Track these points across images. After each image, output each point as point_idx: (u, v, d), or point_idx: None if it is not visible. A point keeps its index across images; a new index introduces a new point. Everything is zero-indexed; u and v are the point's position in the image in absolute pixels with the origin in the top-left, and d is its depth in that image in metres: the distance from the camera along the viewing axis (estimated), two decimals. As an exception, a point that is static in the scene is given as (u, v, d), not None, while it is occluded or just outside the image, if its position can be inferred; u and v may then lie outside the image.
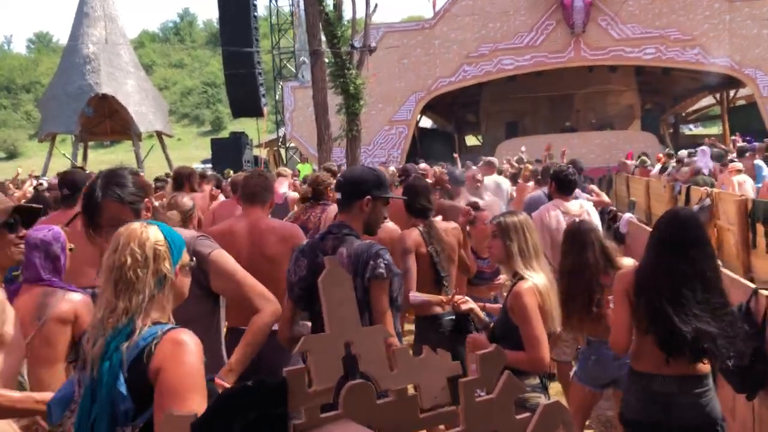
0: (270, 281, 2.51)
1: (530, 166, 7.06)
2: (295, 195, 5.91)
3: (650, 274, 2.13)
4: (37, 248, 2.08)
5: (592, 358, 2.76)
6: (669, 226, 2.16)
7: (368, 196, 2.03)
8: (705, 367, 2.15)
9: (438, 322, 2.89)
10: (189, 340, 1.26)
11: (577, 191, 4.35)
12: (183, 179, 4.62)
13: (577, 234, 2.75)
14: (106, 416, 1.21)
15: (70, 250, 2.19)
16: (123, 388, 1.20)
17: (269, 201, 2.75)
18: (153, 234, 1.33)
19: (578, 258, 2.68)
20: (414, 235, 3.08)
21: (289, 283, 2.10)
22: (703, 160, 8.25)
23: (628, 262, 2.79)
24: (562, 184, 3.88)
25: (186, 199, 3.20)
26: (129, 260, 1.28)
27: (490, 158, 7.34)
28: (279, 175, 6.71)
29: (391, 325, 1.89)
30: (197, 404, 1.17)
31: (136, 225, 1.35)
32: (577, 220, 3.51)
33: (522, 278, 2.16)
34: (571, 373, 3.03)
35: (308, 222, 3.78)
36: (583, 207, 3.86)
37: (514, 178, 7.47)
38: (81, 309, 2.04)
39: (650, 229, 2.37)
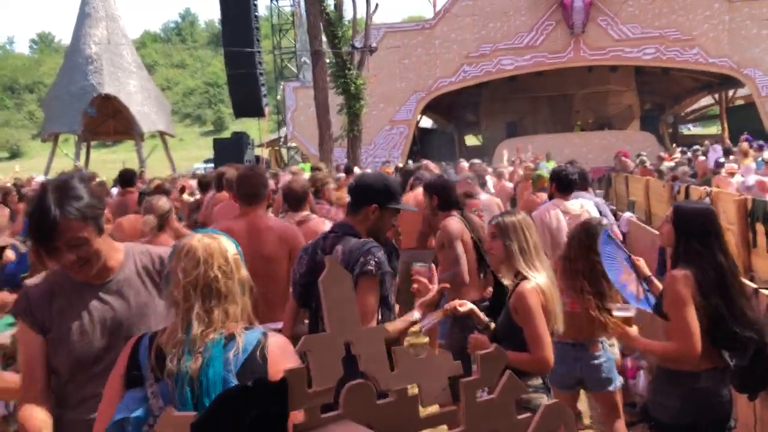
0: (269, 281, 2.51)
1: (531, 165, 7.06)
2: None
3: (713, 273, 2.06)
4: None
5: (555, 360, 2.76)
6: (710, 221, 2.12)
7: (374, 204, 2.04)
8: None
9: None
10: (285, 341, 1.36)
11: (585, 193, 4.36)
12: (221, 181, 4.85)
13: (591, 232, 2.71)
14: None
15: None
16: None
17: (267, 198, 2.73)
18: (228, 245, 1.37)
19: (587, 258, 2.65)
20: (456, 222, 3.17)
21: (293, 282, 2.13)
22: (714, 157, 8.26)
23: None
24: (562, 184, 3.88)
25: (162, 202, 3.16)
26: (219, 275, 1.30)
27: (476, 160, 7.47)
28: (294, 173, 6.73)
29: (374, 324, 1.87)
30: None
31: (206, 238, 1.35)
32: (560, 219, 3.50)
33: (525, 278, 2.15)
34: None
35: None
36: (583, 207, 3.86)
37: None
38: None
39: (649, 229, 2.36)
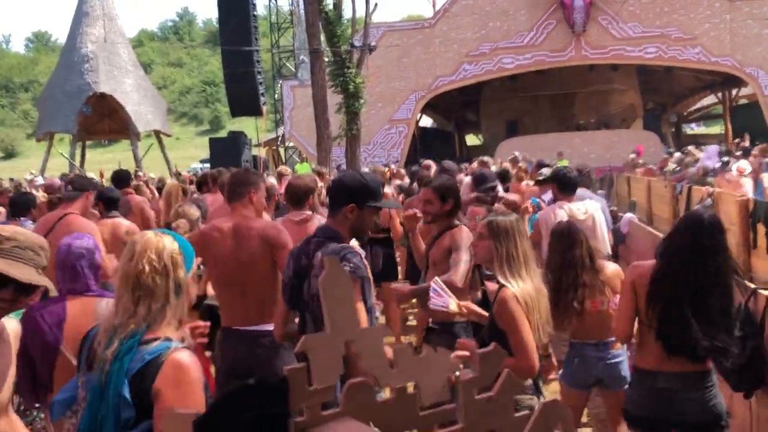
0: (254, 282, 2.53)
1: (523, 165, 6.96)
2: None
3: (670, 278, 2.12)
4: (83, 257, 2.06)
5: (575, 360, 2.76)
6: (692, 231, 2.13)
7: (352, 204, 2.05)
8: (707, 363, 2.18)
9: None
10: (189, 362, 1.30)
11: (586, 192, 4.31)
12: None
13: (565, 232, 2.76)
14: (112, 417, 1.25)
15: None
16: (128, 395, 1.25)
17: (247, 195, 2.65)
18: (169, 243, 1.38)
19: (566, 255, 2.68)
20: (468, 232, 3.08)
21: (283, 283, 2.17)
22: (709, 162, 8.23)
23: (610, 266, 2.86)
24: (563, 185, 3.87)
25: (193, 209, 3.29)
26: (147, 268, 1.32)
27: (485, 158, 7.39)
28: (281, 174, 6.71)
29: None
30: None
31: (150, 234, 1.40)
32: (565, 220, 3.48)
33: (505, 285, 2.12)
34: (558, 375, 3.03)
35: None
36: (588, 212, 3.83)
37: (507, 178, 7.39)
38: None
39: (650, 230, 2.40)
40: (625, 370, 2.77)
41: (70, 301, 2.04)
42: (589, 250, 2.72)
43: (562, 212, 3.76)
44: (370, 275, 1.99)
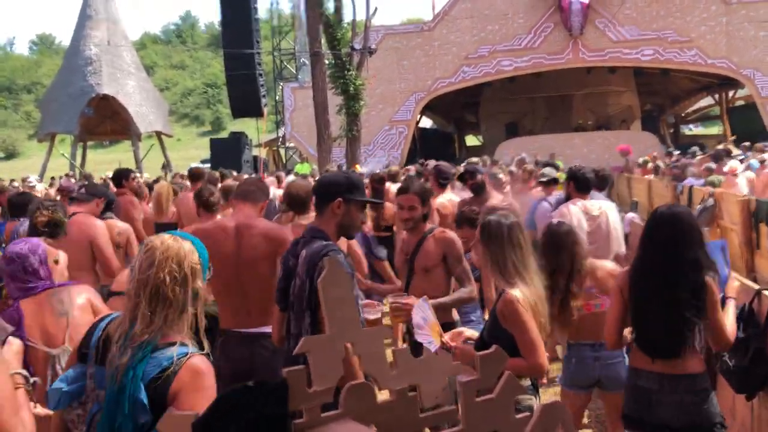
0: (256, 281, 2.54)
1: (529, 167, 6.93)
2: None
3: (638, 273, 2.14)
4: (13, 263, 2.09)
5: (573, 361, 2.73)
6: (654, 225, 2.15)
7: (339, 199, 2.05)
8: (696, 366, 2.10)
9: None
10: (205, 368, 1.33)
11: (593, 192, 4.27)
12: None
13: (555, 235, 2.68)
14: (130, 424, 1.25)
15: (55, 262, 2.18)
16: (145, 400, 1.25)
17: (262, 203, 2.73)
18: (190, 252, 1.37)
19: (554, 259, 2.62)
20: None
21: (277, 285, 2.18)
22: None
23: (605, 266, 2.75)
24: (580, 183, 3.87)
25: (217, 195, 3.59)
26: (168, 279, 1.32)
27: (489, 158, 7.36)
28: (278, 177, 6.74)
29: None
30: None
31: (170, 240, 1.37)
32: (554, 221, 3.40)
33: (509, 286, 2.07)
34: (557, 378, 3.00)
35: None
36: (601, 208, 3.83)
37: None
38: (92, 295, 2.15)
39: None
40: (624, 371, 2.75)
41: (22, 302, 2.10)
42: (574, 255, 2.63)
43: (575, 208, 3.76)
44: (365, 270, 1.99)
